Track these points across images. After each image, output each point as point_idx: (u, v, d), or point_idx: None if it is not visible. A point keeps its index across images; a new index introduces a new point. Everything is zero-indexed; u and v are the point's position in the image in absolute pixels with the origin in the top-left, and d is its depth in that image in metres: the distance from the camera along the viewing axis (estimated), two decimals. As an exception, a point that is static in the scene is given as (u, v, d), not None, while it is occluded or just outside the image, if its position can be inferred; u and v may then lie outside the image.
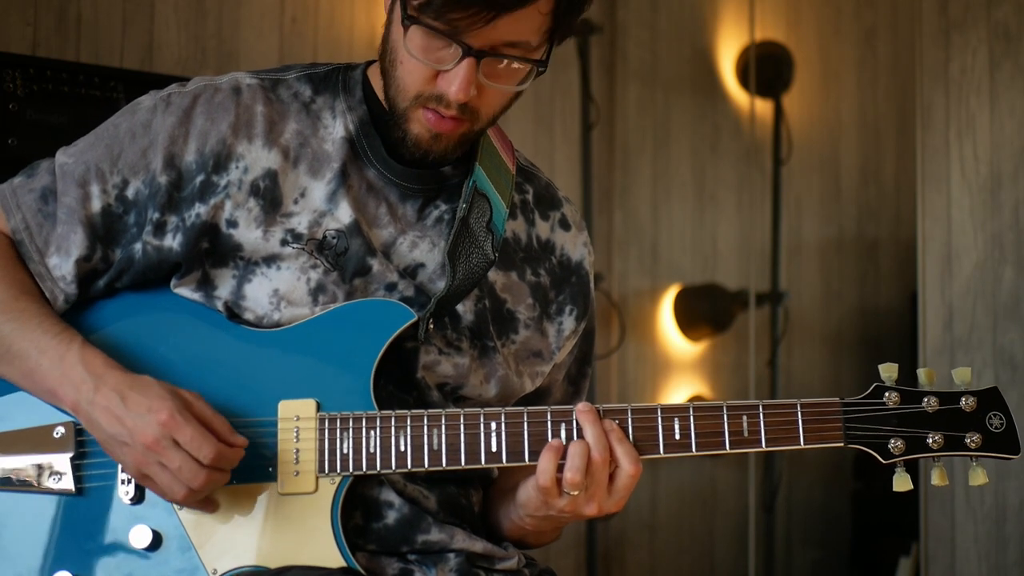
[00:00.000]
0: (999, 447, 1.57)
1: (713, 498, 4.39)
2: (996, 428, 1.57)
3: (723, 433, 1.57)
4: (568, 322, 1.78)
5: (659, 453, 1.58)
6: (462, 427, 1.58)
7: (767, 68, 4.34)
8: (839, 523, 4.51)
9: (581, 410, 1.57)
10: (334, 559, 1.56)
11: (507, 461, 1.58)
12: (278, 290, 1.63)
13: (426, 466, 1.58)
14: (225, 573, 1.57)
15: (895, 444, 1.56)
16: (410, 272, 1.68)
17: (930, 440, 1.56)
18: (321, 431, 1.59)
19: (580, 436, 1.56)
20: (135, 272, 1.66)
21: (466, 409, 1.60)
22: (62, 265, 1.65)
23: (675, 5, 4.46)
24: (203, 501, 1.56)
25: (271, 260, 1.64)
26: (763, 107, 4.40)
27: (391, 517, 1.62)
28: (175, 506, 1.58)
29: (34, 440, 1.63)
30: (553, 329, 1.77)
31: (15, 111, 2.72)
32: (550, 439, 1.57)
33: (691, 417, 1.57)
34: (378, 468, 1.58)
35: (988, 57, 3.26)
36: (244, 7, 3.35)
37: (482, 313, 1.70)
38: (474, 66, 1.53)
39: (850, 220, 4.58)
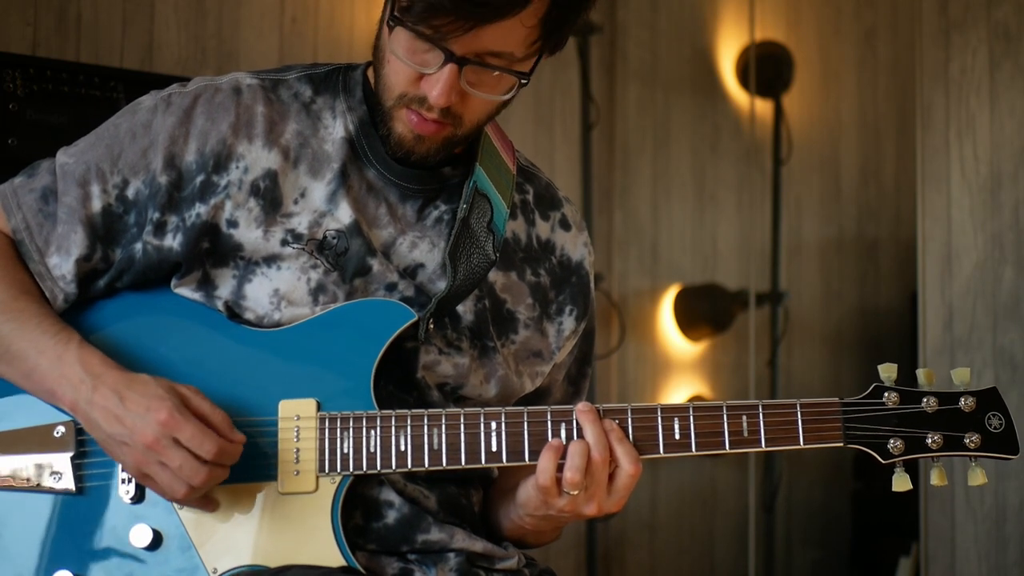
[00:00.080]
0: (998, 447, 1.57)
1: (713, 498, 4.39)
2: (995, 428, 1.57)
3: (723, 433, 1.57)
4: (568, 322, 1.78)
5: (659, 453, 1.58)
6: (462, 427, 1.58)
7: (767, 68, 4.34)
8: (839, 523, 4.51)
9: (581, 410, 1.57)
10: (334, 558, 1.56)
11: (507, 461, 1.58)
12: (278, 290, 1.63)
13: (426, 466, 1.58)
14: (225, 572, 1.57)
15: (894, 444, 1.56)
16: (410, 272, 1.68)
17: (929, 440, 1.56)
18: (321, 431, 1.59)
19: (580, 436, 1.57)
20: (135, 272, 1.66)
21: (466, 409, 1.60)
22: (62, 265, 1.65)
23: (675, 5, 4.46)
24: (203, 500, 1.56)
25: (271, 260, 1.64)
26: (763, 107, 4.40)
27: (391, 517, 1.62)
28: (175, 505, 1.59)
29: (34, 440, 1.63)
30: (553, 329, 1.77)
31: (15, 111, 2.72)
32: (550, 439, 1.57)
33: (691, 417, 1.57)
34: (378, 468, 1.58)
35: (988, 57, 3.26)
36: (244, 7, 3.35)
37: (482, 313, 1.70)
38: (456, 72, 1.53)
39: (850, 220, 4.59)
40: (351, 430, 1.58)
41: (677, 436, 1.58)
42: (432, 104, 1.56)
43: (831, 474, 4.50)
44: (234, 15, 3.32)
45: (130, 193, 1.65)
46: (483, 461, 1.58)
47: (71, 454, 1.61)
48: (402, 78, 1.58)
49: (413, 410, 1.59)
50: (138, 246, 1.65)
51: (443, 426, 1.58)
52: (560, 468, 1.55)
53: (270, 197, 1.65)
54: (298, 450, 1.59)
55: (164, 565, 1.58)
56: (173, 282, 1.66)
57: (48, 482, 1.62)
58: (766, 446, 1.57)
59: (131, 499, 1.60)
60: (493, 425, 1.59)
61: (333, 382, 1.61)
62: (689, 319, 4.35)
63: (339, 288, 1.64)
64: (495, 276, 1.72)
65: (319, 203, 1.65)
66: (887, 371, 1.58)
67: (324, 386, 1.61)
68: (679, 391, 4.33)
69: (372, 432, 1.58)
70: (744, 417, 1.57)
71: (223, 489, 1.58)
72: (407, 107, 1.59)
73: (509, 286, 1.73)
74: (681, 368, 4.36)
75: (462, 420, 1.59)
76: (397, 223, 1.68)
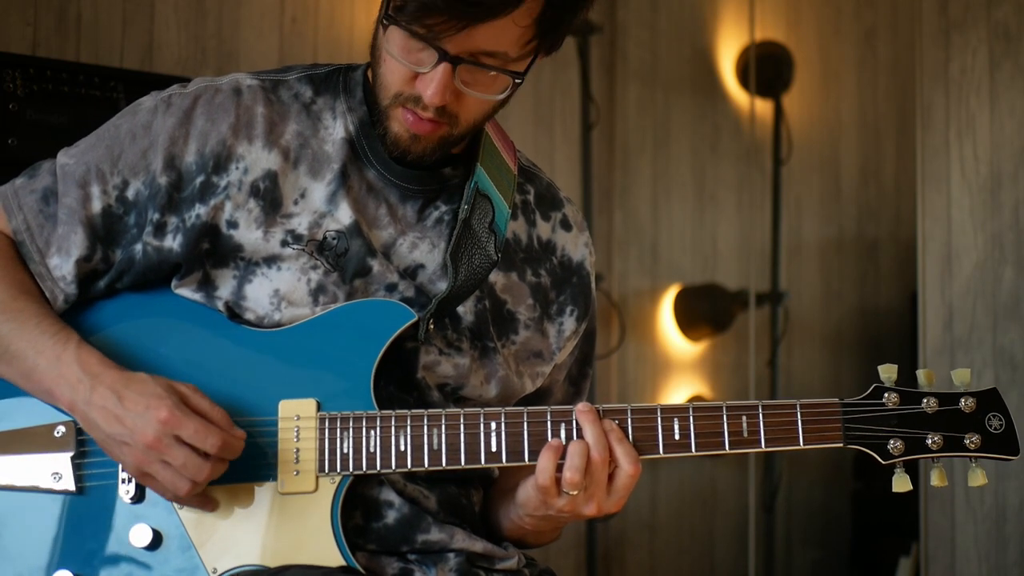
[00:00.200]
0: (998, 448, 1.57)
1: (713, 498, 4.39)
2: (995, 429, 1.57)
3: (723, 433, 1.57)
4: (569, 322, 1.78)
5: (659, 453, 1.58)
6: (462, 427, 1.58)
7: (767, 68, 4.34)
8: (839, 523, 4.51)
9: (581, 410, 1.57)
10: (334, 558, 1.56)
11: (507, 461, 1.58)
12: (279, 290, 1.63)
13: (426, 466, 1.58)
14: (225, 572, 1.57)
15: (894, 445, 1.56)
16: (410, 273, 1.68)
17: (929, 441, 1.56)
18: (321, 431, 1.59)
19: (580, 436, 1.57)
20: (135, 273, 1.66)
21: (466, 409, 1.60)
22: (62, 265, 1.65)
23: (675, 5, 4.46)
24: (202, 499, 1.56)
25: (271, 261, 1.64)
26: (763, 107, 4.40)
27: (391, 517, 1.62)
28: (175, 505, 1.59)
29: (34, 440, 1.63)
30: (554, 329, 1.77)
31: (15, 111, 2.72)
32: (550, 439, 1.57)
33: (691, 417, 1.57)
34: (378, 468, 1.58)
35: (988, 57, 3.26)
36: (244, 7, 3.35)
37: (482, 314, 1.70)
38: (450, 71, 1.54)
39: (850, 220, 4.59)
40: (351, 430, 1.58)
41: (677, 436, 1.58)
42: (427, 103, 1.56)
43: (831, 474, 4.50)
44: (234, 15, 3.32)
45: (130, 194, 1.65)
46: (483, 461, 1.58)
47: (71, 454, 1.62)
48: (397, 77, 1.58)
49: (413, 410, 1.59)
50: (138, 247, 1.65)
51: (443, 426, 1.58)
52: (560, 468, 1.55)
53: (270, 198, 1.65)
54: (298, 450, 1.59)
55: (164, 565, 1.58)
56: (173, 283, 1.66)
57: (48, 482, 1.62)
58: (766, 446, 1.57)
59: (131, 499, 1.60)
60: (493, 425, 1.59)
61: (333, 382, 1.61)
62: (689, 319, 4.35)
63: (339, 289, 1.64)
64: (495, 276, 1.72)
65: (319, 204, 1.65)
66: (887, 371, 1.58)
67: (324, 386, 1.61)
68: (679, 391, 4.33)
69: (372, 432, 1.58)
70: (744, 417, 1.57)
71: (223, 489, 1.58)
72: (403, 106, 1.59)
73: (509, 286, 1.73)
74: (681, 368, 4.36)
75: (462, 420, 1.59)
76: (397, 224, 1.68)
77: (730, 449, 1.57)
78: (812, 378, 4.50)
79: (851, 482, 4.47)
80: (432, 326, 1.65)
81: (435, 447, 1.58)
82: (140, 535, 1.58)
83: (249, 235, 1.64)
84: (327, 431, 1.59)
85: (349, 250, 1.64)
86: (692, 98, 4.46)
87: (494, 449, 1.58)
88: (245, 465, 1.57)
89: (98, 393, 1.54)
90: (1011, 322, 3.18)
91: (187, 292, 1.65)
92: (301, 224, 1.65)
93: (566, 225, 1.81)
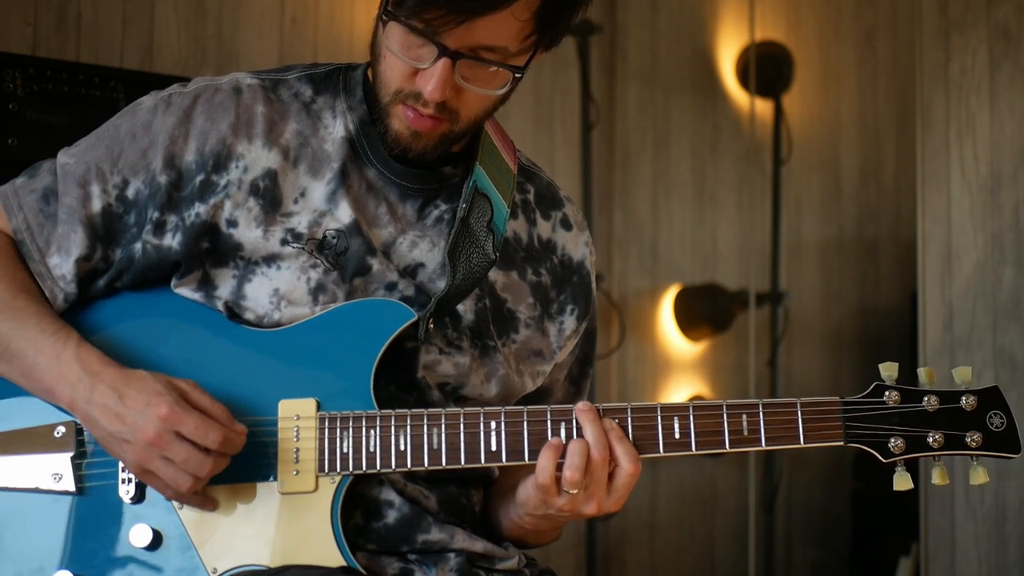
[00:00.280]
0: (999, 446, 1.56)
1: (713, 498, 4.39)
2: (997, 427, 1.57)
3: (723, 432, 1.57)
4: (569, 322, 1.78)
5: (659, 452, 1.58)
6: (462, 426, 1.58)
7: (767, 68, 4.34)
8: (839, 523, 4.51)
9: (581, 409, 1.57)
10: (334, 558, 1.56)
11: (507, 460, 1.58)
12: (278, 290, 1.63)
13: (426, 465, 1.58)
14: (225, 572, 1.57)
15: (895, 443, 1.56)
16: (410, 272, 1.68)
17: (930, 439, 1.56)
18: (321, 430, 1.59)
19: (580, 435, 1.56)
20: (135, 272, 1.66)
21: (466, 409, 1.60)
22: (62, 264, 1.65)
23: (675, 5, 4.46)
24: (202, 499, 1.56)
25: (271, 260, 1.64)
26: (763, 107, 4.40)
27: (391, 516, 1.62)
28: (175, 505, 1.59)
29: (35, 440, 1.63)
30: (554, 329, 1.77)
31: (15, 111, 2.72)
32: (550, 438, 1.57)
33: (691, 416, 1.57)
34: (378, 467, 1.58)
35: (988, 57, 3.26)
36: (244, 7, 3.35)
37: (482, 313, 1.70)
38: (450, 67, 1.54)
39: (850, 220, 4.59)
40: (351, 430, 1.58)
41: (677, 435, 1.57)
42: (427, 99, 1.56)
43: (831, 474, 4.50)
44: (234, 15, 3.32)
45: (130, 193, 1.65)
46: (483, 461, 1.58)
47: (71, 454, 1.61)
48: (397, 74, 1.58)
49: (413, 410, 1.59)
50: (138, 246, 1.65)
51: (443, 426, 1.58)
52: (560, 467, 1.55)
53: (270, 197, 1.65)
54: (298, 450, 1.58)
55: (164, 565, 1.58)
56: (173, 282, 1.66)
57: (48, 483, 1.62)
58: (766, 445, 1.57)
59: (131, 499, 1.60)
60: (493, 425, 1.58)
61: (333, 382, 1.61)
62: (689, 319, 4.35)
63: (339, 288, 1.64)
64: (495, 275, 1.71)
65: (319, 202, 1.65)
66: (888, 370, 1.58)
67: (324, 386, 1.61)
68: (679, 391, 4.33)
69: (372, 432, 1.58)
70: (744, 416, 1.57)
71: (223, 489, 1.58)
72: (403, 103, 1.59)
73: (510, 285, 1.73)
74: (681, 368, 4.36)
75: (462, 420, 1.58)
76: (397, 222, 1.68)
77: (730, 448, 1.56)
78: (812, 378, 4.50)
79: (851, 482, 4.47)
80: (432, 325, 1.65)
81: (435, 447, 1.58)
82: (140, 535, 1.58)
83: (249, 234, 1.63)
84: (327, 431, 1.58)
85: (349, 249, 1.64)
86: (692, 98, 4.46)
87: (494, 448, 1.58)
88: (245, 465, 1.57)
89: (98, 391, 1.54)
90: (1011, 322, 3.18)
91: (187, 291, 1.65)
92: (301, 223, 1.64)
93: (566, 224, 1.81)
